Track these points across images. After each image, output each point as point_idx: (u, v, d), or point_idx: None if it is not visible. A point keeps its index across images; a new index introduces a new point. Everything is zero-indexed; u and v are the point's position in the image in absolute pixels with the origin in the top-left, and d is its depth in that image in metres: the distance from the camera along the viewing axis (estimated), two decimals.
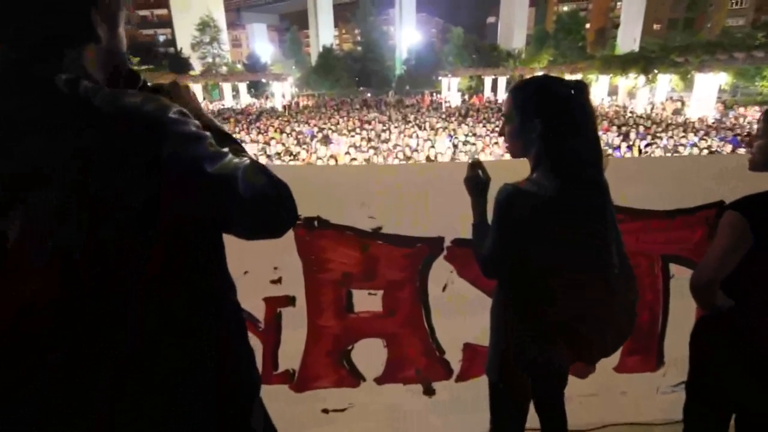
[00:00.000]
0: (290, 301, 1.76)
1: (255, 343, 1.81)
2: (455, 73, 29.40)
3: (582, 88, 1.14)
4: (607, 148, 9.49)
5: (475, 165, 1.30)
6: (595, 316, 1.16)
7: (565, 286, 1.13)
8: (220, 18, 43.74)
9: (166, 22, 48.03)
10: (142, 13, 50.70)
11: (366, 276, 1.74)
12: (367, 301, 1.78)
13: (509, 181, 1.12)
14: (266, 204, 0.72)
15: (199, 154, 0.65)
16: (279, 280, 1.73)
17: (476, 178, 1.29)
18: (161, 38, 48.48)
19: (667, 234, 1.78)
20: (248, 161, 0.74)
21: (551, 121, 1.12)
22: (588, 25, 44.62)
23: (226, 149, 0.72)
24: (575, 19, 37.59)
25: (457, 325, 1.83)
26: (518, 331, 1.23)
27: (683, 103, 20.20)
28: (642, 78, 22.05)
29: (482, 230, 1.25)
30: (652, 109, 19.98)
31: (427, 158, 7.74)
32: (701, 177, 1.78)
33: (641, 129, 11.76)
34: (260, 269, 1.69)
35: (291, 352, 1.82)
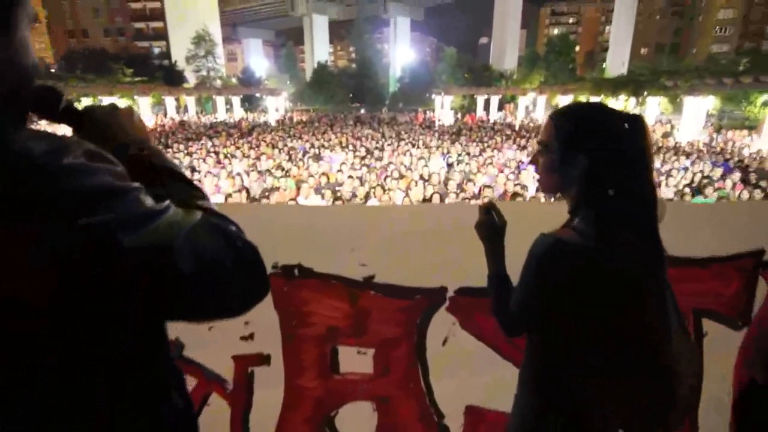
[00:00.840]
0: (264, 359, 1.50)
1: (222, 405, 1.58)
2: (448, 92, 29.68)
3: (640, 123, 0.95)
4: None
5: (489, 208, 1.12)
6: (653, 383, 0.98)
7: (615, 347, 0.95)
8: (216, 32, 44.11)
9: (162, 35, 48.33)
10: (138, 25, 50.97)
11: (355, 332, 1.49)
12: (355, 360, 1.53)
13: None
14: (220, 278, 0.58)
15: (109, 218, 0.51)
16: (251, 336, 1.47)
17: (490, 222, 1.10)
18: (156, 50, 48.61)
19: (700, 285, 1.56)
20: (198, 218, 0.58)
21: (599, 159, 0.93)
22: (578, 48, 45.81)
23: (165, 203, 0.56)
24: (565, 42, 38.58)
25: (458, 384, 1.60)
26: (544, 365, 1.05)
27: (672, 127, 20.49)
28: (632, 100, 22.42)
29: (501, 282, 1.08)
30: None
31: (421, 177, 7.57)
32: (736, 223, 1.58)
33: None
34: (229, 324, 1.42)
35: (265, 417, 1.56)
